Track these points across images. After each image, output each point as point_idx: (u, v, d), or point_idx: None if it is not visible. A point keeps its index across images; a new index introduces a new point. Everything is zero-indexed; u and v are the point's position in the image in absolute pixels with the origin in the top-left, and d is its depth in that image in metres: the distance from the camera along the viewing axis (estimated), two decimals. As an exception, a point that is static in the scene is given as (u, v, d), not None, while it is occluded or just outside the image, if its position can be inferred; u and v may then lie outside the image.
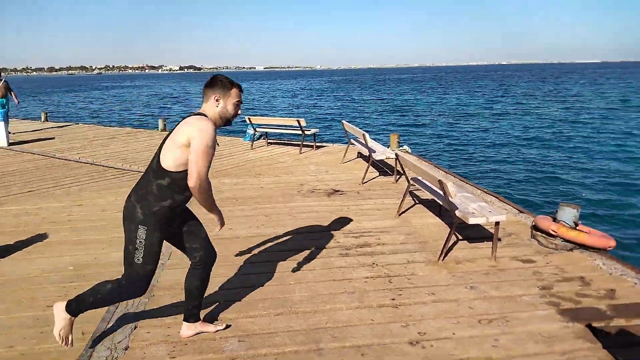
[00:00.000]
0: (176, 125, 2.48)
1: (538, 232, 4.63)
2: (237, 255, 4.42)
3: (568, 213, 4.42)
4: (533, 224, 4.85)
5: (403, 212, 5.75)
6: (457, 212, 4.25)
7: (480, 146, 16.36)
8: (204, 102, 2.61)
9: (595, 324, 3.18)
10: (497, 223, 4.25)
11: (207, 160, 2.35)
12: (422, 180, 5.49)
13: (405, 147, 10.32)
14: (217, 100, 2.55)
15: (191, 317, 2.92)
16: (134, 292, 2.56)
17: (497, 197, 6.33)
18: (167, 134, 2.54)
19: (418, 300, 3.52)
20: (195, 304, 2.88)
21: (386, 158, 7.48)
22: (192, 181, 2.34)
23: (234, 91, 2.59)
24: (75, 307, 2.59)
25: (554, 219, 4.55)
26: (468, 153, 15.22)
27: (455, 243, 4.72)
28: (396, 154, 5.89)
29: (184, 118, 2.52)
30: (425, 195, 6.44)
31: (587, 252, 4.38)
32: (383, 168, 8.33)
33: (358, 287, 3.75)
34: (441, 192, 4.44)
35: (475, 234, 4.96)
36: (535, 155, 14.27)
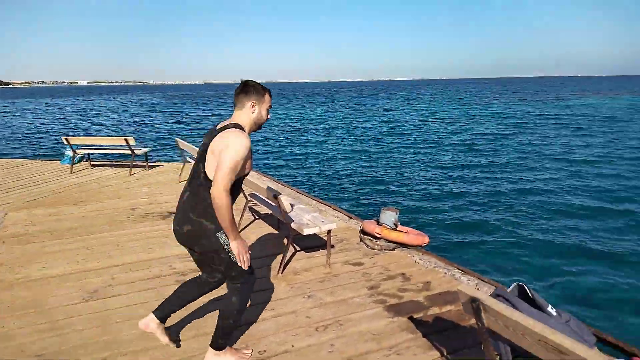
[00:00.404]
0: (209, 137, 2.50)
1: (365, 236, 5.02)
2: (52, 297, 3.84)
3: (389, 216, 4.88)
4: (361, 228, 5.24)
5: (243, 229, 5.70)
6: (292, 225, 4.36)
7: (315, 159, 17.28)
8: (236, 109, 2.60)
9: (415, 315, 3.54)
10: (329, 231, 4.48)
11: (233, 172, 2.38)
12: (259, 196, 5.52)
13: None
14: (253, 107, 2.58)
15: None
16: (251, 287, 2.69)
17: (330, 206, 6.71)
18: (202, 148, 2.54)
19: (259, 317, 3.49)
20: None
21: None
22: (215, 189, 2.33)
23: (267, 96, 2.63)
24: (221, 343, 2.71)
25: (378, 222, 4.98)
26: (304, 166, 15.95)
27: (293, 255, 4.83)
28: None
29: (216, 128, 2.54)
30: (265, 210, 6.50)
31: (406, 250, 4.90)
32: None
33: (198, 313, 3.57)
34: (277, 206, 4.51)
35: (312, 243, 5.16)
36: (362, 166, 15.60)
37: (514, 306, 2.16)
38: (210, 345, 2.74)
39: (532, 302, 2.19)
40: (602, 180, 12.73)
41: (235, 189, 2.55)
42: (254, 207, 6.68)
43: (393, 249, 4.88)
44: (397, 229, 4.94)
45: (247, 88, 2.58)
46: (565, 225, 8.82)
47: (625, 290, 6.20)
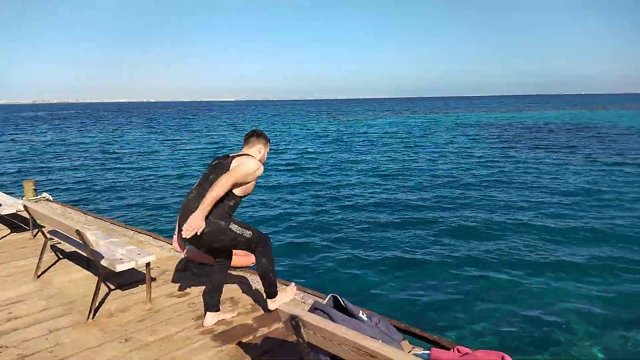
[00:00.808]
0: (225, 160, 3.30)
1: (192, 263, 4.78)
2: None
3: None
4: (186, 255, 4.98)
5: (44, 272, 4.91)
6: (102, 262, 3.90)
7: (134, 186, 16.03)
8: (246, 147, 3.42)
9: (244, 340, 3.47)
10: (148, 264, 4.14)
11: (237, 180, 3.12)
12: (62, 232, 4.83)
13: (45, 194, 9.00)
14: (260, 151, 3.42)
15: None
16: (269, 245, 3.52)
17: (151, 236, 6.25)
18: (215, 168, 3.29)
19: (63, 375, 3.01)
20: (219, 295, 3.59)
21: (17, 211, 6.31)
22: (217, 186, 3.03)
23: (268, 144, 3.50)
24: (273, 291, 3.65)
25: (202, 249, 4.80)
26: (121, 195, 14.66)
27: (107, 295, 4.32)
28: (24, 206, 5.00)
29: (230, 155, 3.32)
30: (70, 247, 5.72)
31: (236, 272, 4.81)
32: (17, 223, 6.95)
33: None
34: (82, 243, 3.99)
35: (130, 279, 4.70)
36: (188, 190, 15.03)
37: (330, 317, 2.26)
38: (268, 298, 3.56)
39: (345, 311, 2.32)
40: (405, 193, 14.57)
41: (234, 205, 3.28)
42: (56, 244, 5.84)
43: (220, 274, 4.74)
44: (223, 252, 4.83)
45: (259, 135, 3.45)
46: (374, 237, 9.77)
47: (424, 289, 7.13)
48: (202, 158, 23.15)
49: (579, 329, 5.80)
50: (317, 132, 39.95)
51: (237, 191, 3.24)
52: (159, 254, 5.32)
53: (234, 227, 3.25)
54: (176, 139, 34.74)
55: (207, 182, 3.20)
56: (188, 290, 4.41)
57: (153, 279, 4.54)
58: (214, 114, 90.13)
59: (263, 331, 3.60)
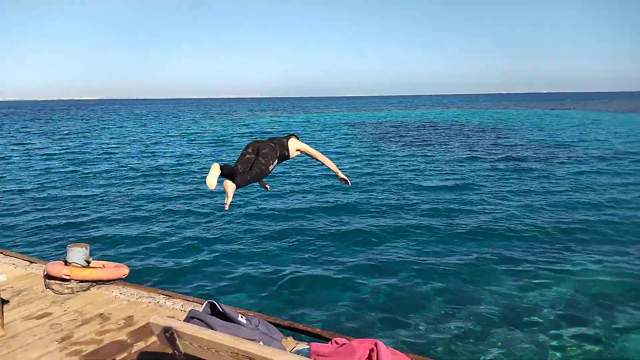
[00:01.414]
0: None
1: (51, 280, 4.32)
2: None
3: (77, 253, 4.34)
4: (45, 272, 4.49)
5: None
6: (-63, 288, 3.35)
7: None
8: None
9: (118, 357, 3.25)
10: (-2, 285, 3.65)
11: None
12: None
13: None
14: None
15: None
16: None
17: (1, 253, 5.51)
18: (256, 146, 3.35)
19: None
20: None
21: None
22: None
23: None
24: (240, 184, 3.10)
25: (66, 262, 4.37)
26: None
27: (-54, 325, 3.72)
28: None
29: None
30: None
31: (104, 287, 4.46)
32: None
33: None
34: None
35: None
36: (40, 199, 13.41)
37: (207, 325, 2.22)
38: (236, 182, 3.04)
39: (223, 316, 2.30)
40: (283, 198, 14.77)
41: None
42: None
43: (88, 289, 4.37)
44: (90, 265, 4.44)
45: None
46: (251, 239, 9.74)
47: (310, 285, 7.32)
48: (60, 165, 20.90)
49: (435, 309, 6.41)
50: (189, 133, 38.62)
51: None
52: (11, 273, 4.72)
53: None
54: (27, 142, 30.80)
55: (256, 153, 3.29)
56: (49, 310, 3.99)
57: (6, 301, 4.01)
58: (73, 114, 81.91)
59: (139, 346, 3.41)
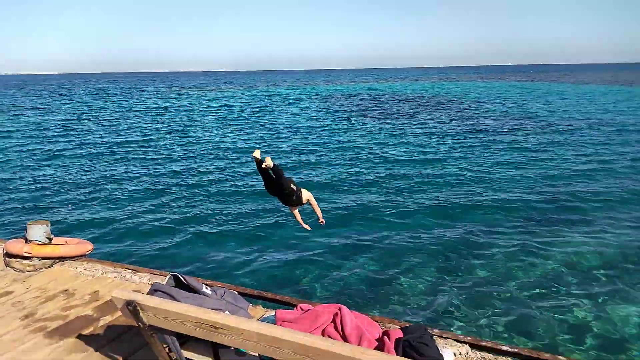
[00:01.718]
0: None
1: (12, 258, 4.22)
2: None
3: (38, 230, 4.24)
4: (5, 251, 4.37)
5: None
6: None
7: None
8: None
9: (85, 332, 3.24)
10: (-45, 264, 3.54)
11: None
12: None
13: None
14: None
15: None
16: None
17: (-42, 231, 5.32)
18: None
19: None
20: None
21: None
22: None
23: None
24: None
25: (26, 240, 4.26)
26: None
27: None
28: None
29: None
30: None
31: (68, 263, 4.39)
32: None
33: None
34: None
35: None
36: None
37: (171, 297, 2.23)
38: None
39: (187, 288, 2.32)
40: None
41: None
42: None
43: (51, 266, 4.29)
44: (52, 242, 4.35)
45: None
46: (217, 212, 9.70)
47: (274, 255, 7.38)
48: (19, 141, 20.06)
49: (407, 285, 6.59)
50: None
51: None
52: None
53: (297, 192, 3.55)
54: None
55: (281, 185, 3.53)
56: (11, 288, 3.90)
57: (-37, 281, 3.91)
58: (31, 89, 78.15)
59: (105, 320, 3.40)
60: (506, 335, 5.21)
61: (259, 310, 3.43)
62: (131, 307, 2.02)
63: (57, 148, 17.65)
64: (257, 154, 3.46)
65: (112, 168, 14.09)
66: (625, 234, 8.00)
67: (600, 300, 5.90)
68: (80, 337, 3.17)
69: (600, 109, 28.35)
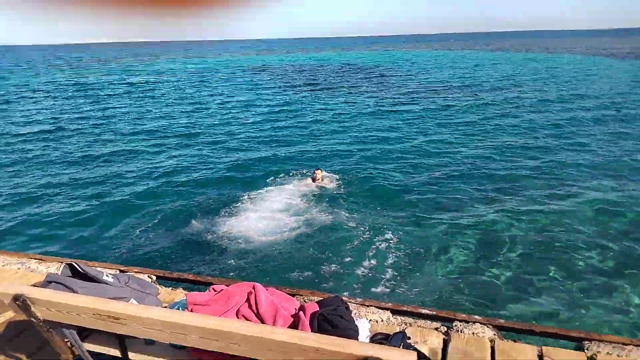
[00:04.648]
0: None
1: None
2: None
3: None
4: None
5: None
6: None
7: None
8: None
9: (-20, 330, 2.97)
10: None
11: None
12: None
13: None
14: None
15: None
16: None
17: None
18: None
19: None
20: None
21: None
22: None
23: None
24: None
25: None
26: None
27: None
28: None
29: None
30: None
31: (-38, 257, 3.99)
32: None
33: None
34: None
35: None
36: None
37: (68, 288, 2.08)
38: None
39: (85, 277, 2.18)
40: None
41: None
42: None
43: (-59, 261, 3.88)
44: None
45: None
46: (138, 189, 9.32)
47: (183, 237, 7.18)
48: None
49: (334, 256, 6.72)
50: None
51: None
52: None
53: None
54: None
55: None
56: None
57: None
58: None
59: (6, 317, 3.13)
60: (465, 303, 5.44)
61: (179, 294, 3.33)
62: (20, 302, 1.86)
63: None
64: None
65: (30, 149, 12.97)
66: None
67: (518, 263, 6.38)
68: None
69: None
